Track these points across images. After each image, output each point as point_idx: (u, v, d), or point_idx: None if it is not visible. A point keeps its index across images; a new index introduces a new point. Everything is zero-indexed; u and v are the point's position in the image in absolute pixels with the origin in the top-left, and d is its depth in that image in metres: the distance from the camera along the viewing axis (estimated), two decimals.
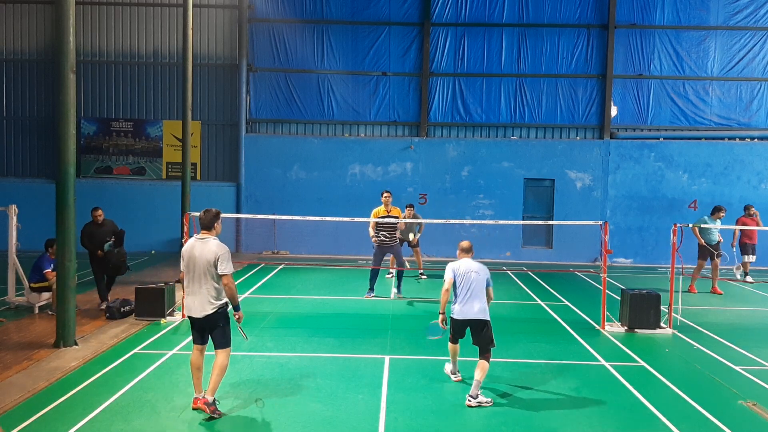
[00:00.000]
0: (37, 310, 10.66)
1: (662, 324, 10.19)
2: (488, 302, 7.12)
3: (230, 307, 6.40)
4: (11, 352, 8.28)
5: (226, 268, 6.20)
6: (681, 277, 10.92)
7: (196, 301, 6.28)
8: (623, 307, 10.31)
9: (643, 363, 8.39)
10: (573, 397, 7.07)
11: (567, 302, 12.38)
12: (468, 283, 6.99)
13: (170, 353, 8.43)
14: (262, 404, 6.59)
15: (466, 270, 7.06)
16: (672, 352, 9.10)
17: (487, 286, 7.13)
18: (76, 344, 8.59)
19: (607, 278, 10.54)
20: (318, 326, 10.20)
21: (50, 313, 10.37)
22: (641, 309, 10.05)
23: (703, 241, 13.38)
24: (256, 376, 7.58)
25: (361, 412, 6.50)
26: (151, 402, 6.66)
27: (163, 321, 10.13)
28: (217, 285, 6.24)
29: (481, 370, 6.80)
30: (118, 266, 11.02)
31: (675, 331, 10.10)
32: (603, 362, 8.42)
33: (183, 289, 6.50)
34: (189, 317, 6.41)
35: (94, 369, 7.72)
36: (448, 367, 7.65)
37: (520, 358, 8.56)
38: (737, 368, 8.26)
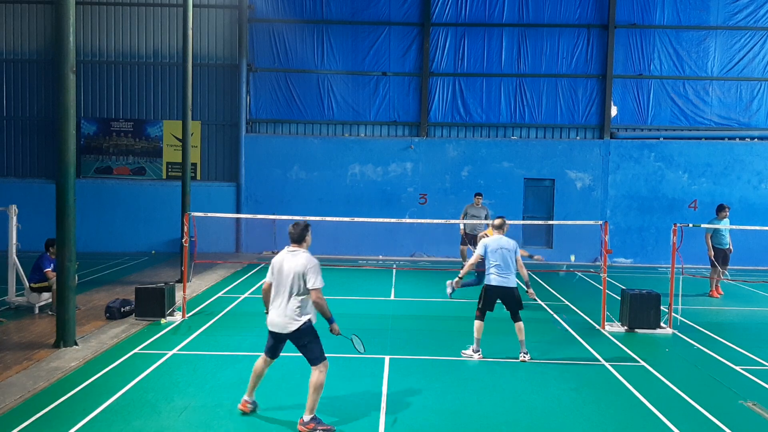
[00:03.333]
0: (37, 310, 10.66)
1: (662, 324, 10.19)
2: (521, 268, 8.41)
3: (314, 321, 6.26)
4: (11, 352, 8.29)
5: (316, 282, 6.10)
6: (681, 277, 10.90)
7: (280, 315, 6.13)
8: (623, 307, 10.30)
9: (643, 363, 8.39)
10: (573, 397, 7.07)
11: (567, 302, 12.38)
12: (500, 258, 8.21)
13: (170, 353, 8.43)
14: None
15: (497, 246, 8.27)
16: (672, 352, 9.10)
17: (516, 255, 8.34)
18: (76, 344, 8.59)
19: (607, 278, 10.54)
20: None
21: (50, 313, 10.37)
22: (641, 309, 10.05)
23: (712, 251, 13.03)
24: None
25: (362, 412, 6.51)
26: (151, 402, 6.66)
27: (163, 321, 10.13)
28: (302, 300, 6.11)
29: (520, 330, 8.28)
30: None
31: (675, 331, 10.09)
32: (603, 362, 8.42)
33: (264, 298, 6.35)
34: (270, 330, 6.27)
35: (94, 369, 7.71)
36: (468, 351, 8.49)
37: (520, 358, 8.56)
38: (737, 368, 8.26)
